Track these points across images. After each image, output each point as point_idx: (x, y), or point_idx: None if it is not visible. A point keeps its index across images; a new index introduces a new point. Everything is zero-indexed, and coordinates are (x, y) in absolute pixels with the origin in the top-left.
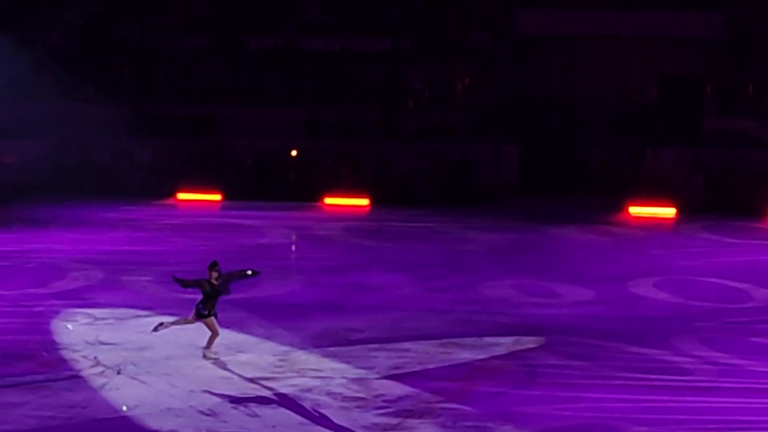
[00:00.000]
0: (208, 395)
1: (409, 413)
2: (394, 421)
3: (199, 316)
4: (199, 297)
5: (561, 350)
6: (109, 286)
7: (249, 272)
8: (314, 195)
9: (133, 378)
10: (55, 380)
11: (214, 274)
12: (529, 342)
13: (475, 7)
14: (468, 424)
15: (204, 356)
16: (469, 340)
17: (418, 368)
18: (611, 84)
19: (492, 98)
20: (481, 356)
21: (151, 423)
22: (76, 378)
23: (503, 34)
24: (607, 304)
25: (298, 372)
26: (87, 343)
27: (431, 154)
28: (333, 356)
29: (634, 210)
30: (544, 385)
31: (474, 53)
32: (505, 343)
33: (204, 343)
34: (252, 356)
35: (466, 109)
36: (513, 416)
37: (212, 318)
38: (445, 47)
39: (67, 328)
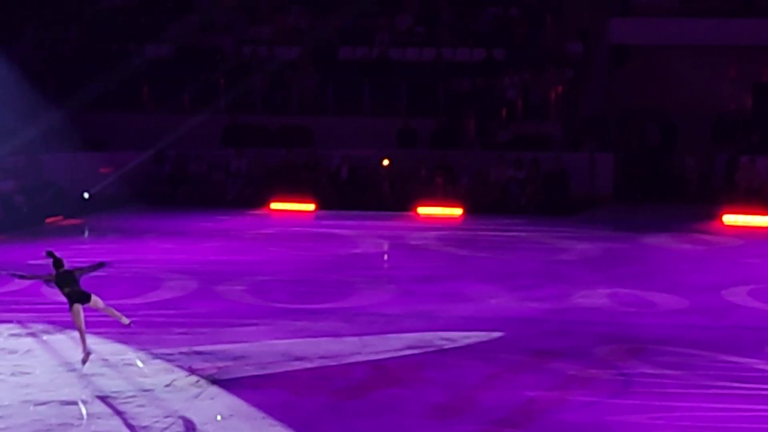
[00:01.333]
0: (302, 404)
1: (504, 422)
2: (489, 430)
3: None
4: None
5: (656, 359)
6: (203, 296)
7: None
8: (408, 205)
9: (227, 387)
10: (149, 390)
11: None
12: (623, 351)
13: (570, 16)
14: None
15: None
16: (563, 349)
17: (512, 377)
18: (706, 92)
19: (586, 107)
20: (576, 365)
21: None
22: (171, 387)
23: (597, 42)
24: (702, 313)
25: (391, 382)
26: (181, 352)
27: (526, 164)
28: (426, 366)
29: (729, 219)
30: (638, 394)
31: (568, 62)
32: (600, 353)
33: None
34: (345, 366)
35: (561, 118)
36: (607, 425)
37: (76, 307)
38: (538, 56)
39: (161, 338)
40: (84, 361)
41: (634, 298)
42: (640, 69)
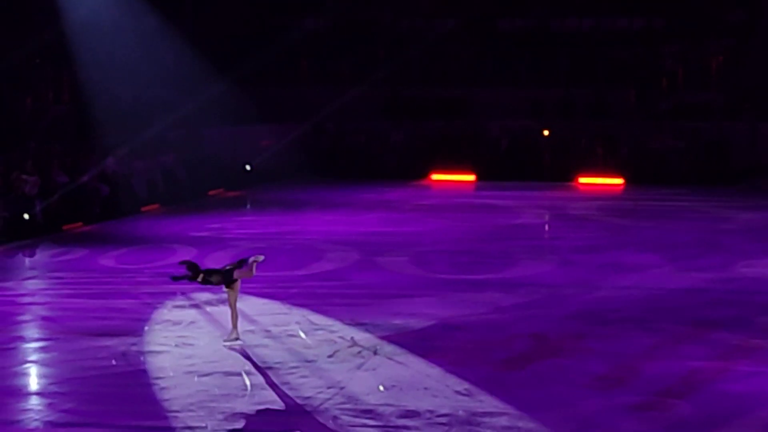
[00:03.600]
0: (463, 375)
1: (666, 393)
2: (651, 400)
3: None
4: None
5: None
6: (365, 267)
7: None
8: (568, 175)
9: (389, 358)
10: (312, 361)
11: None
12: None
13: None
14: (727, 404)
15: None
16: (726, 319)
17: (675, 348)
18: None
19: (748, 76)
20: (739, 336)
21: (408, 403)
22: (333, 359)
23: (759, 9)
24: None
25: (552, 351)
26: (343, 323)
27: (686, 134)
28: (588, 336)
29: None
30: None
31: (729, 30)
32: (763, 323)
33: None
34: (506, 336)
35: (721, 87)
36: None
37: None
38: (699, 25)
39: (323, 309)
40: (229, 340)
41: None
42: None
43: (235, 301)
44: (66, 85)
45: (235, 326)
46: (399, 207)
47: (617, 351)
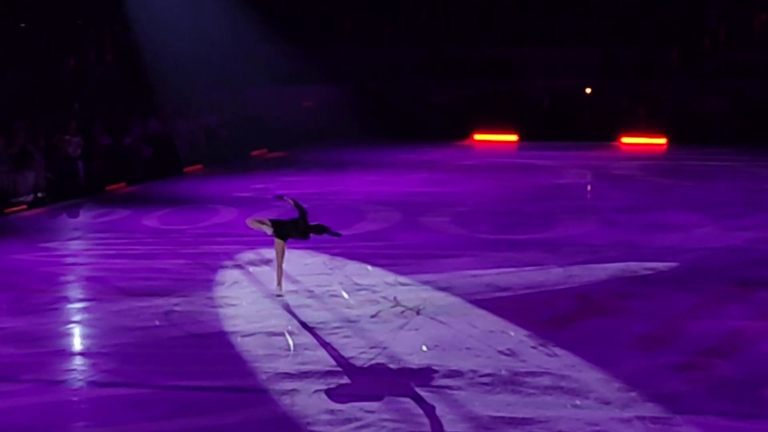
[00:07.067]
0: (507, 335)
1: (709, 352)
2: (694, 360)
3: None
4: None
5: None
6: (407, 227)
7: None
8: (610, 134)
9: (432, 318)
10: (355, 321)
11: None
12: None
13: None
14: None
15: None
16: None
17: (717, 307)
18: None
19: None
20: None
21: (451, 363)
22: (376, 319)
23: None
24: None
25: (595, 311)
26: (386, 283)
27: (729, 93)
28: (631, 296)
29: None
30: None
31: None
32: None
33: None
34: (550, 297)
35: (765, 46)
36: None
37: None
38: None
39: (366, 269)
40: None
41: None
42: None
43: (280, 256)
44: (109, 46)
45: (279, 282)
46: (441, 167)
47: (660, 311)
